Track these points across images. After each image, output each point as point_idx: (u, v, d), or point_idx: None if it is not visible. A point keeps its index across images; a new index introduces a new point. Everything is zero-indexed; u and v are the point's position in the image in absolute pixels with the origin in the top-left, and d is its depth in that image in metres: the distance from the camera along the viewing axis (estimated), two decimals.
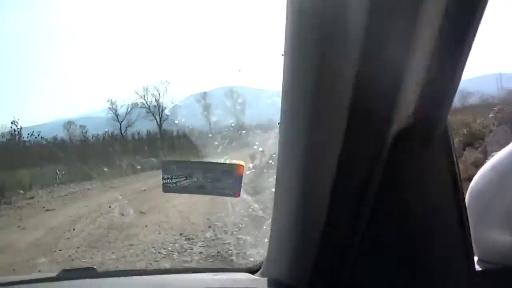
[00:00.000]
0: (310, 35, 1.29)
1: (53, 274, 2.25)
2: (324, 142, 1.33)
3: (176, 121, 56.27)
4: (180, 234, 9.71)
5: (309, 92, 1.34)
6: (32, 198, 17.60)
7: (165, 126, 57.30)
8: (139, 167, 25.63)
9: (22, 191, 18.59)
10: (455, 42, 1.12)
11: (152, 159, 27.31)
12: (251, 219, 8.12)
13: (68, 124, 49.84)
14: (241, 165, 2.00)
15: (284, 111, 1.52)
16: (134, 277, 2.29)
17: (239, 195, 2.03)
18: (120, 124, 59.61)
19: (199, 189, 2.09)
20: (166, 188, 2.10)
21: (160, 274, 2.47)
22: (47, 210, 14.23)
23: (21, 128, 24.39)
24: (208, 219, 10.72)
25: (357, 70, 1.13)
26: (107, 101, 62.70)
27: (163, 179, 2.08)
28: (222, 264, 6.95)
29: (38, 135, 27.15)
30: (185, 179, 2.10)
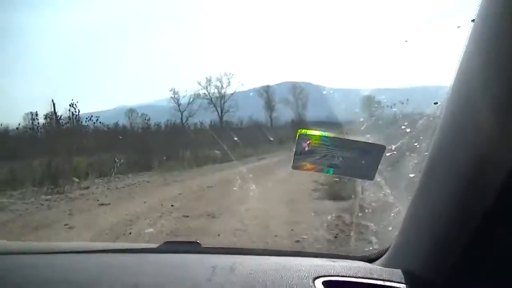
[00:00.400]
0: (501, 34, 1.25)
1: (155, 246, 2.35)
2: (492, 153, 1.30)
3: (238, 113, 55.62)
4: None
5: (482, 90, 1.32)
6: (87, 188, 15.70)
7: (226, 117, 57.05)
8: (202, 159, 23.64)
9: (77, 180, 16.68)
10: None
11: (216, 151, 25.31)
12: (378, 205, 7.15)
13: (130, 112, 51.86)
14: (383, 146, 2.01)
15: (449, 106, 1.50)
16: (239, 256, 2.21)
17: (373, 179, 2.01)
18: (182, 114, 59.82)
19: (333, 169, 2.06)
20: (295, 164, 2.08)
21: (271, 255, 2.29)
22: (101, 204, 12.21)
23: (79, 111, 22.47)
24: (292, 230, 8.64)
25: None
26: (170, 91, 63.44)
27: (295, 153, 2.05)
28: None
29: (97, 120, 25.18)
30: (318, 156, 2.05)
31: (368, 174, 2.08)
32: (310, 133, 2.13)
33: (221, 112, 62.50)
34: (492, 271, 1.45)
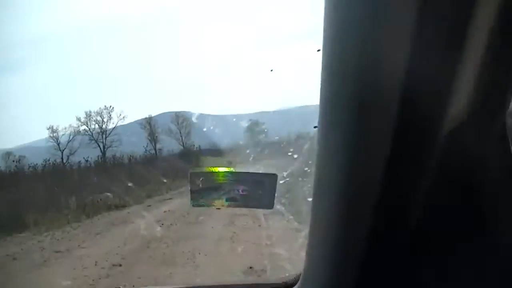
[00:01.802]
0: (353, 31, 1.18)
1: None
2: (370, 143, 1.23)
3: (121, 148, 50.66)
4: None
5: (353, 92, 1.23)
6: None
7: (109, 153, 52.43)
8: (92, 207, 17.65)
9: None
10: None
11: (107, 194, 19.45)
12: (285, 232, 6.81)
13: (7, 155, 46.23)
14: (275, 175, 2.00)
15: (323, 115, 1.39)
16: None
17: (272, 207, 2.01)
18: (62, 153, 54.47)
19: (231, 202, 2.07)
20: (195, 202, 2.12)
21: None
22: None
23: None
24: None
25: (407, 66, 1.06)
26: (48, 129, 58.09)
27: (191, 192, 2.07)
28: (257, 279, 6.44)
29: None
30: (214, 191, 2.06)
31: (267, 203, 2.01)
32: (202, 171, 2.30)
33: (104, 147, 58.17)
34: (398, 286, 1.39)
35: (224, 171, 2.13)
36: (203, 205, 2.08)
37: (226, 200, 2.04)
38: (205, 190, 2.02)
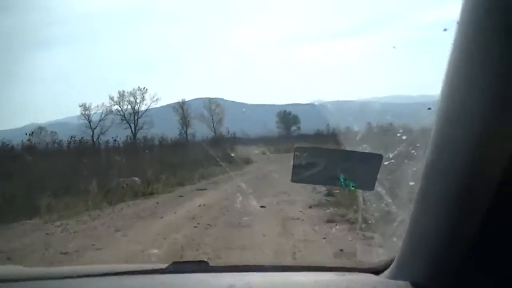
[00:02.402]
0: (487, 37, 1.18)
1: (163, 266, 2.07)
2: (494, 141, 1.20)
3: (153, 130, 48.35)
4: None
5: (475, 92, 1.22)
6: None
7: (140, 134, 50.20)
8: (116, 192, 15.03)
9: None
10: None
11: (135, 178, 16.90)
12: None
13: (39, 130, 44.03)
14: (380, 155, 1.93)
15: (441, 110, 1.36)
16: (251, 273, 2.07)
17: (373, 189, 1.94)
18: (93, 131, 52.79)
19: (331, 180, 2.03)
20: (296, 177, 2.06)
21: (281, 271, 2.17)
22: None
23: None
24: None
25: None
26: (80, 106, 56.67)
27: (293, 166, 2.02)
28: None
29: None
30: (316, 168, 2.00)
31: (368, 184, 1.97)
32: (307, 146, 2.20)
33: (135, 129, 56.30)
34: (500, 279, 1.32)
35: (330, 149, 2.17)
36: (302, 182, 2.01)
37: (327, 179, 1.97)
38: (307, 166, 1.94)
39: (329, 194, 13.11)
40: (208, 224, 9.76)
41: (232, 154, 29.51)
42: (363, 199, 7.19)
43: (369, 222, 6.41)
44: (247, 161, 29.14)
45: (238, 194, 14.43)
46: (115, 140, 30.46)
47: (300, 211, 10.94)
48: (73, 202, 13.32)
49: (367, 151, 2.04)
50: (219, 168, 23.41)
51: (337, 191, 11.90)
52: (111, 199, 14.19)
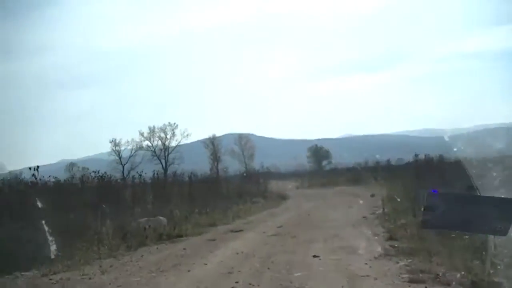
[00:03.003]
0: None
1: None
2: None
3: (182, 166, 46.07)
4: None
5: None
6: None
7: (170, 170, 47.91)
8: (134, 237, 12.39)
9: None
10: None
11: (160, 217, 14.33)
12: None
13: (70, 166, 44.83)
14: None
15: None
16: None
17: (506, 234, 2.18)
18: (123, 167, 50.75)
19: (465, 225, 2.26)
20: (427, 224, 2.28)
21: None
22: None
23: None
24: None
25: None
26: (110, 142, 55.00)
27: (424, 213, 2.21)
28: None
29: None
30: (449, 213, 2.20)
31: (502, 229, 2.15)
32: (438, 191, 2.37)
33: (166, 164, 54.19)
34: None
35: (462, 193, 2.48)
36: (434, 228, 2.21)
37: (459, 224, 2.18)
38: (439, 212, 2.12)
39: (391, 238, 10.46)
40: (250, 284, 7.07)
41: (265, 190, 26.86)
42: (494, 245, 5.69)
43: (498, 267, 5.82)
44: (283, 197, 26.62)
45: (280, 237, 11.70)
46: (140, 175, 27.72)
47: (366, 264, 8.17)
48: (84, 247, 10.75)
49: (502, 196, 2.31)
50: (254, 206, 20.81)
51: (400, 235, 10.49)
52: (131, 243, 11.59)
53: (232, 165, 54.85)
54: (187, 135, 56.74)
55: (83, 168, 41.57)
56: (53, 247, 10.21)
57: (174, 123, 56.79)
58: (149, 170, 35.20)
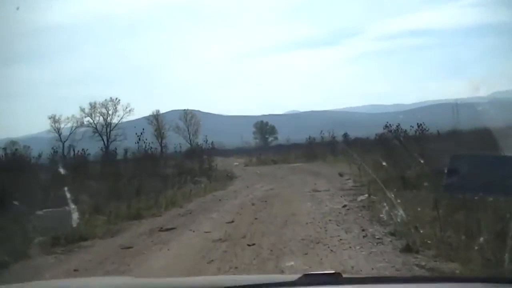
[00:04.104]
0: None
1: (294, 278, 1.90)
2: None
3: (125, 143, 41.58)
4: None
5: None
6: None
7: (112, 147, 43.65)
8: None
9: None
10: None
11: (65, 207, 9.78)
12: None
13: (11, 144, 39.37)
14: None
15: None
16: (387, 285, 1.86)
17: None
18: (63, 144, 46.22)
19: (486, 188, 1.99)
20: (449, 187, 1.98)
21: (417, 282, 1.95)
22: None
23: None
24: None
25: None
26: (49, 118, 50.81)
27: (447, 177, 1.95)
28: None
29: None
30: (474, 178, 1.99)
31: None
32: (465, 154, 2.25)
33: (107, 141, 49.54)
34: None
35: (489, 155, 2.03)
36: (457, 191, 1.92)
37: (484, 188, 1.89)
38: (464, 176, 1.88)
39: (409, 249, 6.29)
40: None
41: (210, 168, 22.50)
42: None
43: None
44: (231, 176, 22.06)
45: (231, 244, 7.54)
46: (80, 152, 23.31)
47: None
48: None
49: None
50: (197, 187, 16.38)
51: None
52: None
53: (177, 142, 50.70)
54: (130, 110, 52.47)
55: (25, 147, 37.50)
56: None
57: (116, 98, 52.45)
58: (91, 148, 31.20)
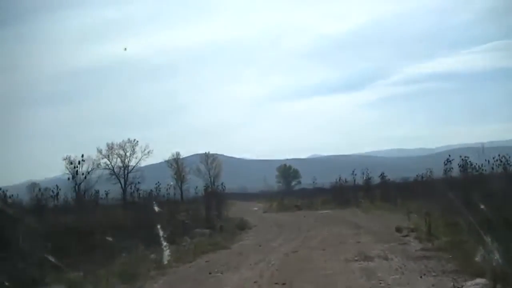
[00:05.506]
0: None
1: None
2: None
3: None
4: None
5: None
6: None
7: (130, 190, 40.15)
8: None
9: None
10: None
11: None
12: None
13: (32, 186, 36.14)
14: None
15: None
16: None
17: None
18: (78, 187, 42.76)
19: None
20: None
21: None
22: None
23: None
24: None
25: None
26: (64, 159, 47.35)
27: None
28: None
29: None
30: None
31: None
32: None
33: (125, 184, 45.74)
34: None
35: None
36: None
37: None
38: None
39: None
40: None
41: (221, 215, 18.28)
42: None
43: None
44: (243, 226, 17.38)
45: None
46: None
47: None
48: None
49: None
50: (186, 246, 11.78)
51: None
52: None
53: (199, 185, 47.09)
54: (148, 152, 48.68)
55: (47, 190, 34.59)
56: None
57: (134, 140, 48.69)
58: (109, 190, 27.88)
